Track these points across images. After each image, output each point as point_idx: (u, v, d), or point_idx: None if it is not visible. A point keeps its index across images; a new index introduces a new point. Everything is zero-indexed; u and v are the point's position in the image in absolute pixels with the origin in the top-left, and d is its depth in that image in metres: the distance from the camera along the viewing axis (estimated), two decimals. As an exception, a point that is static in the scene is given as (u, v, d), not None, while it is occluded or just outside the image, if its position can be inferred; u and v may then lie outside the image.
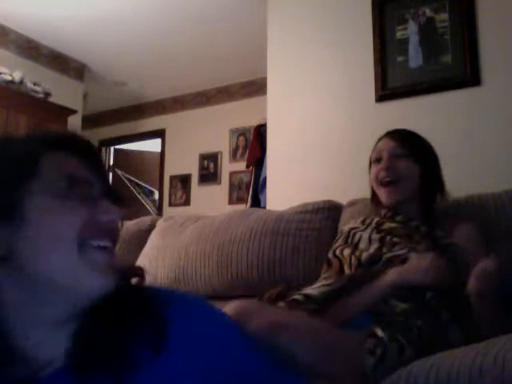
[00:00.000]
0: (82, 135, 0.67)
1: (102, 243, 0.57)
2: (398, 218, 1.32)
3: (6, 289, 0.54)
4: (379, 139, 1.42)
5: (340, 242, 1.36)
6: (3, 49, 4.02)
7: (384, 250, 1.24)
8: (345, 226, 1.42)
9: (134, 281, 0.67)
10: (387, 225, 1.31)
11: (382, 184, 1.33)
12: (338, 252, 1.32)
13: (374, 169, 1.36)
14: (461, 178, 1.93)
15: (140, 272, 0.70)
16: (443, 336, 1.07)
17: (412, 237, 1.25)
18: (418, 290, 1.12)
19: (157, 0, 3.60)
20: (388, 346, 0.97)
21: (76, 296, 0.55)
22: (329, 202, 1.69)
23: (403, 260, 1.19)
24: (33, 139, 0.62)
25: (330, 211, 1.67)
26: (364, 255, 1.25)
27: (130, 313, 0.59)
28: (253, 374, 0.65)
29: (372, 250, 1.25)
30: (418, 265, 1.13)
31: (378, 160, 1.35)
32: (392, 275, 1.14)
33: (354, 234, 1.34)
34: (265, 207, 2.72)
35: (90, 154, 0.63)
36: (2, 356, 0.53)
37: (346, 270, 1.26)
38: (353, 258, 1.26)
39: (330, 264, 1.32)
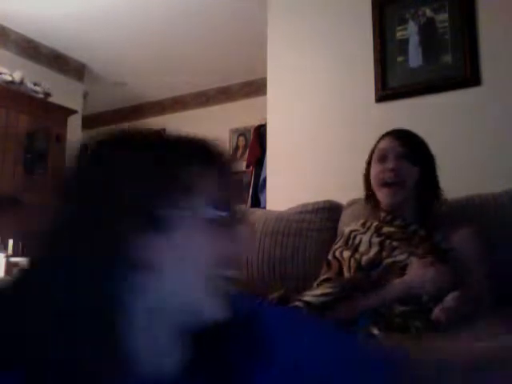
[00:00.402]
0: (222, 147, 0.61)
1: (229, 273, 0.56)
2: (397, 222, 1.31)
3: (131, 299, 0.52)
4: (380, 138, 1.40)
5: (340, 243, 1.36)
6: (3, 49, 4.02)
7: (384, 254, 1.24)
8: (345, 228, 1.42)
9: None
10: (386, 229, 1.31)
11: (385, 184, 1.31)
12: (337, 254, 1.32)
13: (377, 168, 1.34)
14: (461, 178, 1.93)
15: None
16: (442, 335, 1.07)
17: (411, 241, 1.25)
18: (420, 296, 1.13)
19: (157, 0, 3.60)
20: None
21: (194, 318, 0.54)
22: (329, 202, 1.69)
23: (403, 267, 1.19)
24: (189, 151, 0.58)
25: (330, 211, 1.67)
26: (364, 259, 1.25)
27: (235, 340, 0.58)
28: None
29: (372, 253, 1.26)
30: (423, 275, 1.13)
31: (382, 159, 1.34)
32: (398, 287, 1.13)
33: (355, 236, 1.34)
34: (265, 207, 2.72)
35: (231, 176, 0.61)
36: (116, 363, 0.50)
37: (345, 273, 1.27)
38: (352, 261, 1.27)
39: (329, 265, 1.33)
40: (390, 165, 1.31)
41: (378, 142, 1.40)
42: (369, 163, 1.40)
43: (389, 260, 1.22)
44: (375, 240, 1.29)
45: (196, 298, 0.53)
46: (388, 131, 1.42)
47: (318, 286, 1.25)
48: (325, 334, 0.66)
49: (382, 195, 1.33)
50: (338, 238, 1.40)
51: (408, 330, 1.05)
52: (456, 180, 1.94)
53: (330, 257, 1.35)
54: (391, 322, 1.07)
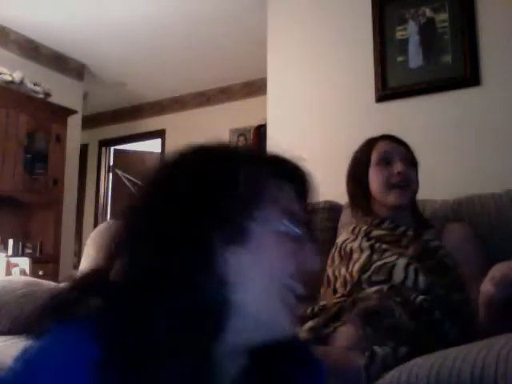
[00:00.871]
0: (303, 167, 0.63)
1: (298, 290, 0.55)
2: (385, 224, 1.31)
3: (213, 306, 0.52)
4: (374, 142, 1.38)
5: (336, 258, 1.36)
6: (3, 49, 4.02)
7: (374, 257, 1.25)
8: (339, 239, 1.42)
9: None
10: (375, 232, 1.31)
11: (394, 186, 1.30)
12: (336, 272, 1.33)
13: (383, 171, 1.31)
14: (461, 178, 1.93)
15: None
16: (438, 334, 1.08)
17: (400, 242, 1.25)
18: (409, 295, 1.13)
19: (157, 1, 3.60)
20: (376, 348, 0.98)
21: (264, 332, 0.53)
22: (329, 202, 1.69)
23: (392, 267, 1.20)
24: (263, 162, 0.60)
25: (330, 211, 1.67)
26: (355, 266, 1.26)
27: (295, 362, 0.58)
28: None
29: (362, 258, 1.26)
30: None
31: (387, 163, 1.32)
32: None
33: (346, 246, 1.34)
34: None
35: (305, 186, 0.60)
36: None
37: (338, 289, 1.28)
38: (347, 276, 1.27)
39: (328, 282, 1.35)
40: (397, 168, 1.29)
41: (373, 146, 1.37)
42: (363, 167, 1.36)
43: (378, 263, 1.22)
44: (365, 244, 1.29)
45: (271, 310, 0.53)
46: (381, 136, 1.40)
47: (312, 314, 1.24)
48: None
49: (392, 196, 1.30)
50: (333, 250, 1.40)
51: (403, 330, 1.06)
52: (456, 180, 1.95)
53: (329, 273, 1.35)
54: (382, 324, 1.07)
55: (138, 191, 0.58)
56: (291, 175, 0.60)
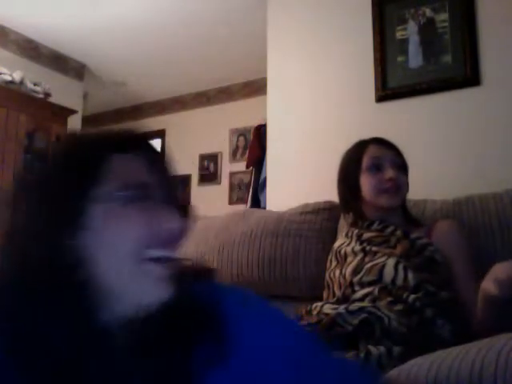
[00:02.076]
0: (145, 135, 0.64)
1: (162, 253, 0.55)
2: (374, 226, 1.32)
3: (72, 296, 0.53)
4: (367, 146, 1.37)
5: (333, 262, 1.38)
6: (3, 49, 4.02)
7: (366, 259, 1.26)
8: (335, 243, 1.44)
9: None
10: (366, 235, 1.32)
11: (385, 191, 1.31)
12: (332, 275, 1.35)
13: (373, 177, 1.32)
14: (461, 178, 1.93)
15: (210, 273, 0.66)
16: (430, 332, 1.09)
17: (389, 243, 1.26)
18: (400, 294, 1.14)
19: (157, 0, 3.60)
20: (370, 348, 0.99)
21: (133, 306, 0.53)
22: (329, 202, 1.69)
23: (382, 267, 1.20)
24: (98, 140, 0.60)
25: (331, 212, 1.67)
26: (348, 269, 1.27)
27: (190, 319, 0.57)
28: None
29: (355, 261, 1.27)
30: None
31: (377, 168, 1.32)
32: None
33: (341, 250, 1.36)
34: (265, 208, 2.72)
35: (154, 155, 0.61)
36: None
37: (336, 292, 1.29)
38: (341, 278, 1.29)
39: (328, 285, 1.37)
40: (388, 174, 1.30)
41: (363, 150, 1.36)
42: (354, 171, 1.36)
43: (369, 264, 1.23)
44: (358, 248, 1.30)
45: (122, 284, 0.53)
46: (372, 139, 1.40)
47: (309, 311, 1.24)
48: (295, 338, 0.63)
49: (383, 199, 1.31)
50: (331, 255, 1.42)
51: (396, 330, 1.06)
52: (456, 180, 1.95)
53: (327, 277, 1.38)
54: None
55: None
56: (135, 147, 0.59)
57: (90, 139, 0.60)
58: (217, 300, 0.59)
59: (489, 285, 0.96)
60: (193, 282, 0.61)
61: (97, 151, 0.57)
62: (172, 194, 0.60)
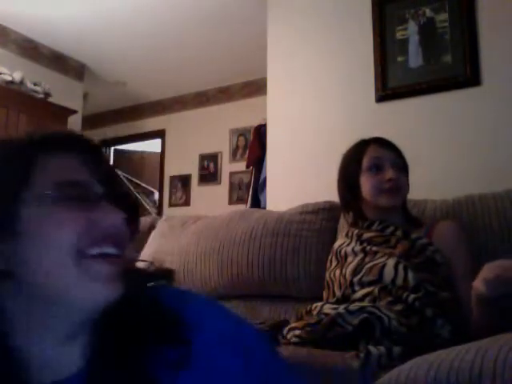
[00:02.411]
0: (79, 133, 0.62)
1: (104, 250, 0.53)
2: (374, 226, 1.32)
3: (10, 304, 0.52)
4: (367, 146, 1.37)
5: (333, 262, 1.38)
6: (3, 49, 4.02)
7: (367, 259, 1.26)
8: (335, 244, 1.44)
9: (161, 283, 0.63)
10: (366, 235, 1.32)
11: (385, 191, 1.31)
12: (332, 275, 1.35)
13: (374, 178, 1.32)
14: (461, 178, 1.94)
15: (168, 274, 0.65)
16: (430, 332, 1.09)
17: (389, 243, 1.27)
18: (400, 294, 1.14)
19: (157, 0, 3.60)
20: (370, 348, 0.99)
21: (79, 308, 0.52)
22: (329, 202, 1.69)
23: (382, 267, 1.20)
24: (25, 141, 0.58)
25: (330, 212, 1.67)
26: (348, 268, 1.27)
27: (146, 324, 0.55)
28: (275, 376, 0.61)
29: (355, 261, 1.28)
30: None
31: (378, 169, 1.32)
32: None
33: (341, 250, 1.36)
34: (265, 207, 2.72)
35: (89, 152, 0.58)
36: (10, 372, 0.50)
37: (336, 292, 1.30)
38: (341, 278, 1.29)
39: (328, 285, 1.37)
40: (388, 175, 1.30)
41: (364, 150, 1.36)
42: (354, 171, 1.36)
43: (369, 264, 1.23)
44: (358, 248, 1.31)
45: (64, 286, 0.51)
46: (372, 139, 1.39)
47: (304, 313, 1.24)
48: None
49: (383, 199, 1.31)
50: (331, 255, 1.42)
51: (396, 330, 1.07)
52: (456, 180, 1.95)
53: (327, 277, 1.38)
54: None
55: None
56: (65, 146, 0.57)
57: (16, 141, 0.58)
58: (175, 301, 0.58)
59: (478, 285, 0.96)
60: (146, 282, 0.60)
61: (23, 153, 0.55)
62: (111, 190, 0.57)
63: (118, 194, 0.58)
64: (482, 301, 1.00)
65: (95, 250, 0.52)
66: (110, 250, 0.53)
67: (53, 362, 0.53)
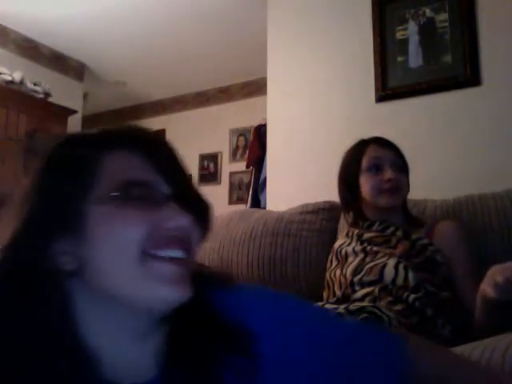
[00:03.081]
0: (147, 129, 0.60)
1: (170, 253, 0.51)
2: (375, 226, 1.32)
3: (79, 303, 0.51)
4: (367, 145, 1.37)
5: (334, 262, 1.38)
6: (3, 49, 4.02)
7: (367, 259, 1.26)
8: (335, 243, 1.43)
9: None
10: (367, 235, 1.32)
11: (384, 191, 1.30)
12: (332, 275, 1.35)
13: (373, 178, 1.31)
14: (461, 178, 1.93)
15: (228, 279, 0.63)
16: (431, 332, 1.09)
17: (389, 243, 1.26)
18: (401, 294, 1.14)
19: (157, 1, 3.60)
20: None
21: (145, 309, 0.51)
22: (329, 202, 1.69)
23: (383, 266, 1.20)
24: (90, 139, 0.57)
25: (330, 212, 1.67)
26: (349, 268, 1.27)
27: (214, 331, 0.54)
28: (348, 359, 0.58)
29: (356, 261, 1.27)
30: None
31: (377, 169, 1.32)
32: None
33: (341, 250, 1.36)
34: (265, 207, 2.72)
35: (156, 149, 0.56)
36: (83, 370, 0.49)
37: (337, 292, 1.29)
38: (341, 278, 1.29)
39: (328, 285, 1.36)
40: (387, 175, 1.29)
41: (363, 150, 1.36)
42: (354, 171, 1.35)
43: (370, 264, 1.23)
44: (358, 248, 1.30)
45: (129, 288, 0.49)
46: (372, 138, 1.39)
47: None
48: (318, 325, 0.60)
49: (383, 199, 1.31)
50: (331, 255, 1.42)
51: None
52: (456, 180, 1.95)
53: (327, 277, 1.37)
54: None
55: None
56: (130, 144, 0.55)
57: (80, 140, 0.57)
58: (241, 308, 0.57)
59: (487, 288, 0.96)
60: (211, 286, 0.59)
61: (88, 152, 0.54)
62: (180, 190, 0.55)
63: (187, 194, 0.56)
64: (489, 304, 0.99)
65: (161, 253, 0.51)
66: (177, 253, 0.52)
67: (127, 363, 0.52)
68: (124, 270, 0.50)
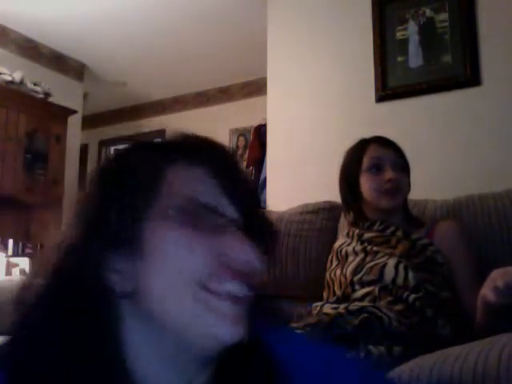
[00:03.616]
0: (218, 142, 0.53)
1: (229, 288, 0.45)
2: (375, 226, 1.32)
3: (126, 326, 0.46)
4: (368, 145, 1.37)
5: (334, 261, 1.38)
6: (3, 49, 4.02)
7: (367, 259, 1.26)
8: (335, 243, 1.43)
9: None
10: (367, 235, 1.32)
11: (385, 192, 1.30)
12: (332, 274, 1.35)
13: (373, 179, 1.31)
14: (461, 178, 1.93)
15: (284, 316, 0.59)
16: (431, 332, 1.09)
17: (389, 243, 1.26)
18: (401, 294, 1.14)
19: (157, 1, 3.60)
20: (371, 347, 0.99)
21: (193, 343, 0.45)
22: (329, 202, 1.69)
23: (383, 266, 1.20)
24: (153, 150, 0.51)
25: (330, 212, 1.67)
26: (349, 268, 1.27)
27: (263, 370, 0.49)
28: None
29: (356, 261, 1.27)
30: None
31: (378, 169, 1.32)
32: None
33: (342, 250, 1.36)
34: (265, 207, 2.72)
35: (225, 167, 0.50)
36: None
37: (337, 291, 1.29)
38: (342, 278, 1.29)
39: (328, 285, 1.36)
40: (388, 175, 1.29)
41: (364, 149, 1.36)
42: (354, 171, 1.35)
43: (370, 264, 1.23)
44: (359, 248, 1.30)
45: (178, 315, 0.45)
46: (373, 138, 1.38)
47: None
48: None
49: (384, 200, 1.30)
50: (331, 255, 1.42)
51: (397, 329, 1.06)
52: (456, 180, 1.95)
53: (327, 277, 1.37)
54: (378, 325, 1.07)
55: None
56: (203, 157, 0.50)
57: (143, 149, 0.52)
58: (293, 360, 0.52)
59: (487, 292, 0.96)
60: (264, 327, 0.53)
61: (151, 163, 0.48)
62: (248, 215, 0.49)
63: (255, 219, 0.50)
64: (489, 308, 1.00)
65: (220, 287, 0.45)
66: (238, 289, 0.46)
67: None
68: (178, 299, 0.45)
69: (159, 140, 0.54)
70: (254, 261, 0.46)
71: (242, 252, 0.46)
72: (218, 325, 0.45)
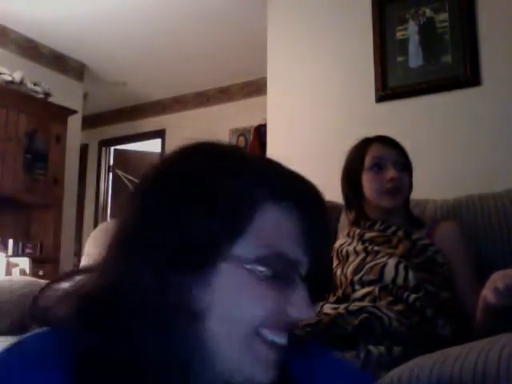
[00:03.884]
0: (313, 185, 0.50)
1: (276, 338, 0.46)
2: (376, 226, 1.32)
3: (183, 344, 0.45)
4: (370, 144, 1.36)
5: (335, 261, 1.38)
6: (3, 49, 4.02)
7: (368, 259, 1.26)
8: (336, 243, 1.43)
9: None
10: (368, 235, 1.32)
11: (386, 192, 1.30)
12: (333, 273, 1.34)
13: (375, 178, 1.31)
14: (461, 178, 1.94)
15: (303, 344, 0.58)
16: (431, 332, 1.09)
17: (390, 243, 1.26)
18: (401, 294, 1.14)
19: (157, 1, 3.60)
20: (371, 347, 0.99)
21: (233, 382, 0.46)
22: (329, 202, 1.68)
23: (383, 266, 1.20)
24: (250, 176, 0.47)
25: (330, 212, 1.67)
26: (349, 268, 1.27)
27: None
28: None
29: (357, 260, 1.27)
30: None
31: (380, 168, 1.31)
32: None
33: (342, 250, 1.35)
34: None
35: (318, 210, 0.49)
36: None
37: (337, 291, 1.29)
38: (342, 277, 1.28)
39: None
40: (389, 174, 1.29)
41: (366, 148, 1.35)
42: (356, 170, 1.35)
43: (370, 264, 1.23)
44: (360, 247, 1.30)
45: (226, 356, 0.45)
46: (375, 137, 1.38)
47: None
48: None
49: (385, 200, 1.30)
50: (332, 254, 1.41)
51: (397, 329, 1.06)
52: (456, 180, 1.95)
53: None
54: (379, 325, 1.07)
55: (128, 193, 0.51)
56: (297, 195, 0.48)
57: (234, 169, 0.47)
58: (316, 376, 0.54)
59: (488, 293, 0.96)
60: (292, 356, 0.53)
61: (245, 190, 0.45)
62: (316, 270, 0.49)
63: (321, 276, 0.51)
64: (489, 309, 1.00)
65: (269, 336, 0.46)
66: (283, 340, 0.47)
67: None
68: (230, 341, 0.45)
69: (240, 156, 0.49)
70: (307, 317, 0.47)
71: (303, 313, 0.46)
72: (258, 369, 0.46)
